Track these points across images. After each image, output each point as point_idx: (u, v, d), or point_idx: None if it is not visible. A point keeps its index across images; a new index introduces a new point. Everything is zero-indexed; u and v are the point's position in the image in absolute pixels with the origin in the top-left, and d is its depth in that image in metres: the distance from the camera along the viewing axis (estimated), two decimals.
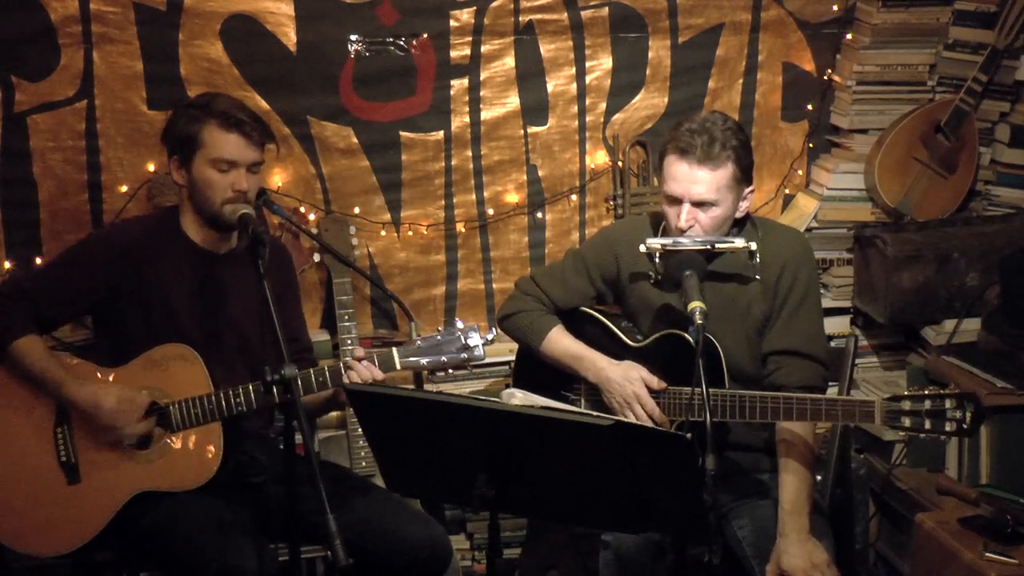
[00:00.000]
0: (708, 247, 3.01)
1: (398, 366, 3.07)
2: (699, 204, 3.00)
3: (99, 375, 3.10)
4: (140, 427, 3.03)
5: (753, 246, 3.00)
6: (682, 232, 3.02)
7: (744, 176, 3.04)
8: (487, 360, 3.41)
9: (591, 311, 3.28)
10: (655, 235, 3.14)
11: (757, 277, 3.08)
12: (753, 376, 3.10)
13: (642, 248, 3.04)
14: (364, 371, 3.04)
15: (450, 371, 3.12)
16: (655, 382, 3.07)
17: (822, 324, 3.17)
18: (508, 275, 4.11)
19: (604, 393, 3.13)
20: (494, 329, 3.28)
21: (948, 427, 2.80)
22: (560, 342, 3.21)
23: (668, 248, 3.00)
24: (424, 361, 3.08)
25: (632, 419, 3.01)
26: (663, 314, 3.14)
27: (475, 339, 3.08)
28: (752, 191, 3.10)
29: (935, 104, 4.15)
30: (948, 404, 2.80)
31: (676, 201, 3.03)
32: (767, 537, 2.95)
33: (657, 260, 3.06)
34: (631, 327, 3.23)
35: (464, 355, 3.08)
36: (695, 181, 2.98)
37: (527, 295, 3.29)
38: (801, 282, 3.09)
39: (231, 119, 3.07)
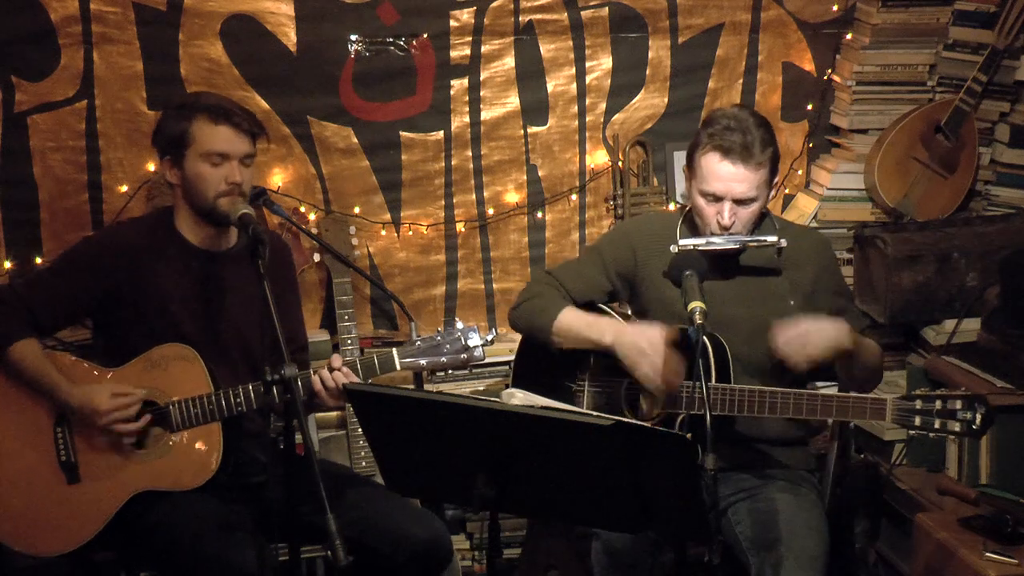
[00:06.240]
0: (741, 245, 3.04)
1: (398, 366, 3.08)
2: (739, 201, 3.02)
3: (97, 375, 3.09)
4: (135, 425, 3.02)
5: (784, 243, 3.03)
6: (726, 229, 3.03)
7: (775, 171, 3.09)
8: (487, 360, 3.42)
9: (605, 309, 3.26)
10: (676, 233, 3.14)
11: (783, 269, 3.10)
12: (774, 370, 3.07)
13: (673, 249, 3.04)
14: (334, 380, 3.00)
15: (449, 371, 3.13)
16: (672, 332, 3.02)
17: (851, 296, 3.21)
18: (508, 275, 4.11)
19: (618, 349, 3.04)
20: (494, 330, 3.27)
21: (958, 428, 2.79)
22: (574, 312, 3.16)
23: (701, 248, 3.02)
24: (423, 361, 3.08)
25: (648, 371, 2.96)
26: (678, 310, 3.13)
27: (475, 340, 3.08)
28: (778, 183, 3.13)
29: (935, 104, 4.15)
30: (959, 405, 2.80)
31: (716, 199, 3.03)
32: (765, 529, 2.94)
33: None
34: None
35: (464, 356, 3.08)
36: (739, 179, 2.99)
37: (542, 283, 3.28)
38: (830, 272, 3.18)
39: (219, 111, 3.09)
